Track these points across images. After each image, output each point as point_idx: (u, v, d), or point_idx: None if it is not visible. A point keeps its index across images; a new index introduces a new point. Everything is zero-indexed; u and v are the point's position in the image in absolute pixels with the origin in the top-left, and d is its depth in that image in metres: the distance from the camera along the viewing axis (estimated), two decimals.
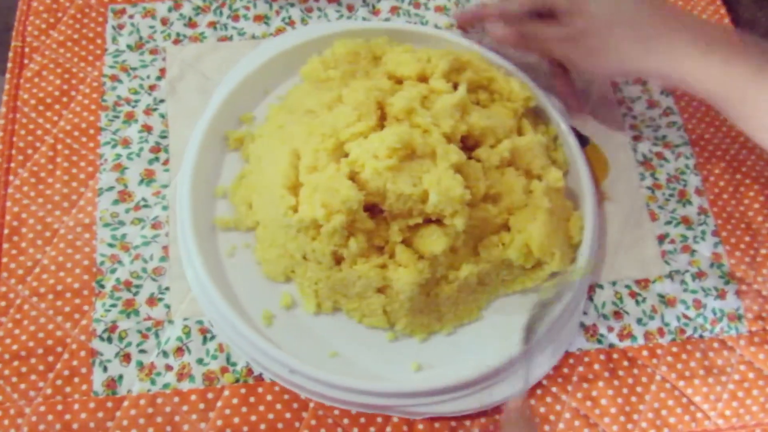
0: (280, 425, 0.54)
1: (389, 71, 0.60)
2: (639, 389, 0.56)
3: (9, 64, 0.66)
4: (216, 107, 0.61)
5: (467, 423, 0.54)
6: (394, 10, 0.71)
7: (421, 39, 0.65)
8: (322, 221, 0.51)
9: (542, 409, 0.55)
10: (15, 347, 0.55)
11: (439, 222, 0.53)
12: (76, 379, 0.54)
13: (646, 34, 0.55)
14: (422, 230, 0.53)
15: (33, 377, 0.54)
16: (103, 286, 0.57)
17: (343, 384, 0.52)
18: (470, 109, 0.57)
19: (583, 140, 0.62)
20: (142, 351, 0.56)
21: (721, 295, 0.60)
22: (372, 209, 0.53)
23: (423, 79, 0.59)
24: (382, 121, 0.56)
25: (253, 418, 0.54)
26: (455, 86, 0.58)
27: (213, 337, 0.56)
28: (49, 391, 0.54)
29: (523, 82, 0.62)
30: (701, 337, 0.58)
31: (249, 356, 0.54)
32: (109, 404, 0.54)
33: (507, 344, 0.53)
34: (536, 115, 0.63)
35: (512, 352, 0.53)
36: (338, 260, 0.54)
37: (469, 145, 0.57)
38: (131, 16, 0.69)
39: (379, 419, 0.54)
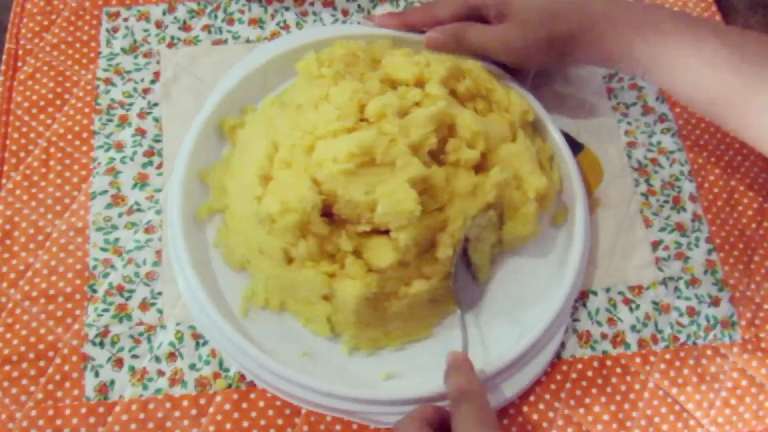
0: (271, 431, 0.54)
1: (386, 74, 0.59)
2: (632, 396, 0.56)
3: (2, 67, 0.65)
4: (210, 111, 0.61)
5: None
6: None
7: (417, 45, 0.64)
8: (276, 217, 0.51)
9: (535, 416, 0.55)
10: (6, 351, 0.55)
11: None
12: (68, 384, 0.54)
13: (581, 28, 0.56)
14: (374, 241, 0.53)
15: (24, 382, 0.54)
16: (95, 291, 0.57)
17: (305, 383, 0.51)
18: (459, 113, 0.56)
19: (577, 146, 0.62)
20: (134, 356, 0.55)
21: (715, 302, 0.60)
22: (331, 215, 0.53)
23: (420, 83, 0.58)
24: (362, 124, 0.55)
25: (245, 424, 0.54)
26: (452, 93, 0.57)
27: (205, 343, 0.56)
28: (40, 395, 0.54)
29: (522, 95, 0.61)
30: (694, 344, 0.58)
31: (220, 346, 0.54)
32: (101, 409, 0.54)
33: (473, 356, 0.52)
34: (534, 131, 0.62)
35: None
36: (290, 260, 0.54)
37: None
38: (125, 19, 0.69)
39: (372, 425, 0.54)
